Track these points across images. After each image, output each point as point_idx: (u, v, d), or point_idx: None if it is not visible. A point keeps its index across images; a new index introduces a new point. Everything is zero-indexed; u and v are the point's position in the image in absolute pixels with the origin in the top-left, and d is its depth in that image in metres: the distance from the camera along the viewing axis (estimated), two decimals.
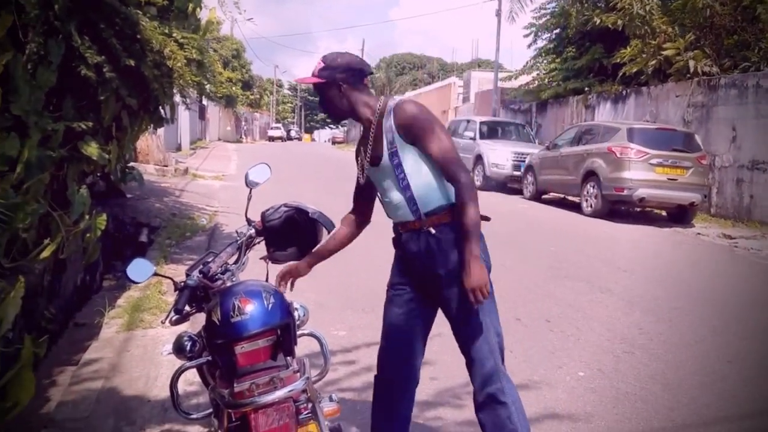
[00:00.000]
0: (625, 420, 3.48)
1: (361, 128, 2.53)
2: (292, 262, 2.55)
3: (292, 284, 2.60)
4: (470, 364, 2.44)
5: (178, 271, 5.56)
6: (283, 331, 1.92)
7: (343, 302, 5.34)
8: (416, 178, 2.35)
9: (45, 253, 4.18)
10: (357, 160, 2.58)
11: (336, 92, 2.40)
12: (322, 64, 2.39)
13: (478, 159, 16.35)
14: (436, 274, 2.38)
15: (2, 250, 3.65)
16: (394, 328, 2.56)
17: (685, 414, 3.60)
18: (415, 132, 2.32)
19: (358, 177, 2.60)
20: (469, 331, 2.40)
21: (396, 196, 2.40)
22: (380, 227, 2.73)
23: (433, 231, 2.36)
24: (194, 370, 2.21)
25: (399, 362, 2.58)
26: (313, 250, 2.58)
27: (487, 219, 2.39)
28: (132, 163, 8.39)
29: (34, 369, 4.16)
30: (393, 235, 2.56)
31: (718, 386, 4.02)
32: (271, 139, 56.97)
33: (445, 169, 2.31)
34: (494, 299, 2.44)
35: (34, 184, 4.02)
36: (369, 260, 6.77)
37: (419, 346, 2.59)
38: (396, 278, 2.57)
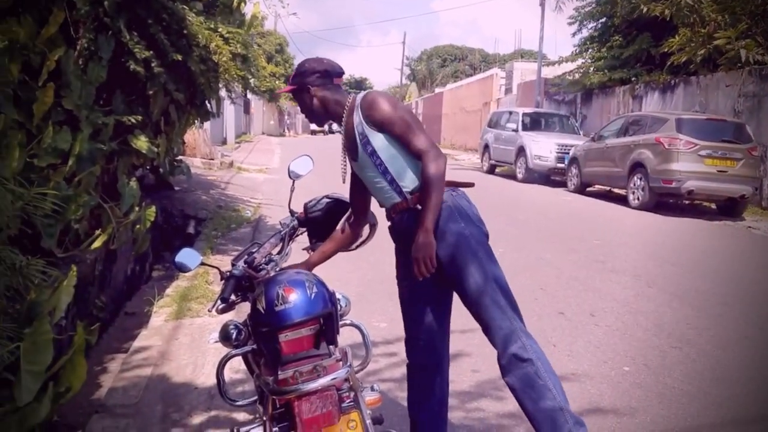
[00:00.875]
0: (671, 416, 3.41)
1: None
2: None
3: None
4: (487, 331, 2.45)
5: (224, 262, 5.66)
6: (325, 320, 1.95)
7: (385, 294, 5.35)
8: (391, 161, 2.42)
9: (96, 244, 4.31)
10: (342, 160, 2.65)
11: (307, 96, 2.50)
12: (294, 72, 2.53)
13: (521, 151, 16.17)
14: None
15: (55, 240, 3.77)
16: (412, 320, 2.61)
17: (733, 410, 3.51)
18: (378, 118, 2.39)
19: (351, 174, 2.66)
20: (476, 297, 2.42)
21: (379, 182, 2.47)
22: None
23: (420, 207, 2.39)
24: (240, 358, 2.26)
25: (425, 350, 2.62)
26: (312, 255, 2.63)
27: (470, 185, 2.48)
28: (180, 157, 8.56)
29: (86, 356, 4.30)
30: (388, 224, 2.59)
31: None
32: (314, 132, 57.26)
33: (408, 146, 2.39)
34: (495, 260, 2.47)
35: (85, 176, 4.14)
36: None
37: (442, 329, 2.63)
38: (401, 270, 2.60)
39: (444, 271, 2.44)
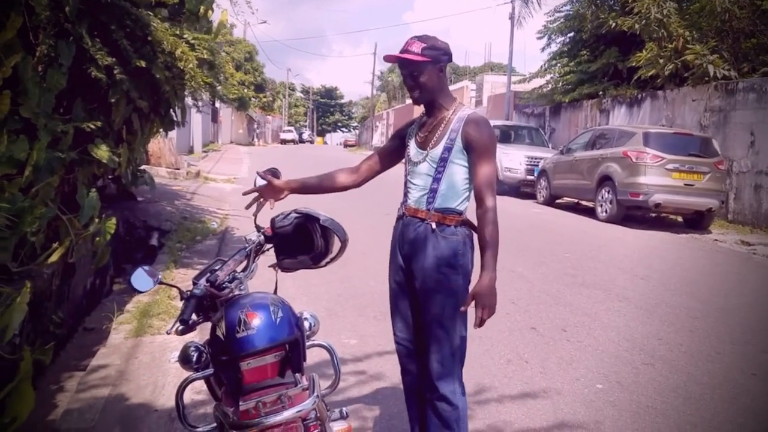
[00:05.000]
0: None
1: (423, 113, 2.59)
2: (271, 180, 2.54)
3: (270, 204, 2.59)
4: (430, 360, 2.51)
5: (187, 276, 5.49)
6: (291, 346, 1.83)
7: (355, 309, 5.24)
8: (449, 178, 2.45)
9: (53, 257, 4.12)
10: (398, 135, 2.70)
11: (436, 73, 2.44)
12: (423, 44, 2.40)
13: None
14: (418, 266, 2.49)
15: (10, 254, 3.59)
16: (398, 318, 2.67)
17: (707, 429, 3.47)
18: (475, 146, 2.40)
19: (386, 146, 2.75)
20: (437, 330, 2.48)
21: (423, 181, 2.49)
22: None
23: (434, 226, 2.46)
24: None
25: (411, 351, 2.65)
26: (299, 179, 2.64)
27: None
28: (144, 166, 8.33)
29: (41, 375, 4.11)
30: (396, 217, 2.65)
31: (742, 401, 3.89)
32: (283, 142, 57.20)
33: (478, 190, 2.40)
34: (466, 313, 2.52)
35: (43, 187, 3.97)
36: (383, 267, 6.70)
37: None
38: (393, 268, 2.67)
39: (417, 289, 2.53)
